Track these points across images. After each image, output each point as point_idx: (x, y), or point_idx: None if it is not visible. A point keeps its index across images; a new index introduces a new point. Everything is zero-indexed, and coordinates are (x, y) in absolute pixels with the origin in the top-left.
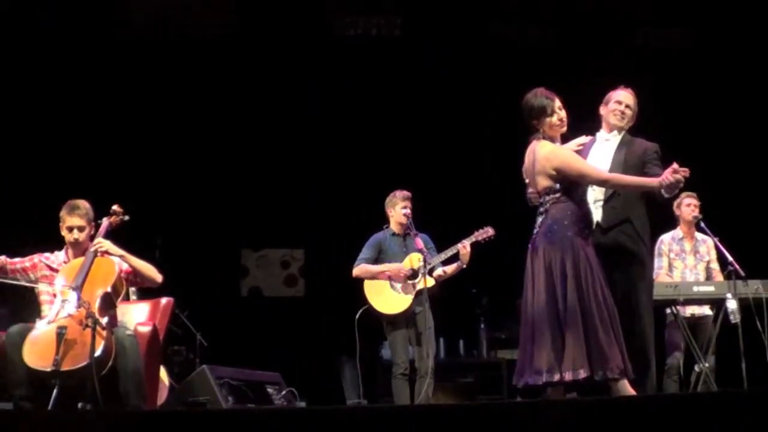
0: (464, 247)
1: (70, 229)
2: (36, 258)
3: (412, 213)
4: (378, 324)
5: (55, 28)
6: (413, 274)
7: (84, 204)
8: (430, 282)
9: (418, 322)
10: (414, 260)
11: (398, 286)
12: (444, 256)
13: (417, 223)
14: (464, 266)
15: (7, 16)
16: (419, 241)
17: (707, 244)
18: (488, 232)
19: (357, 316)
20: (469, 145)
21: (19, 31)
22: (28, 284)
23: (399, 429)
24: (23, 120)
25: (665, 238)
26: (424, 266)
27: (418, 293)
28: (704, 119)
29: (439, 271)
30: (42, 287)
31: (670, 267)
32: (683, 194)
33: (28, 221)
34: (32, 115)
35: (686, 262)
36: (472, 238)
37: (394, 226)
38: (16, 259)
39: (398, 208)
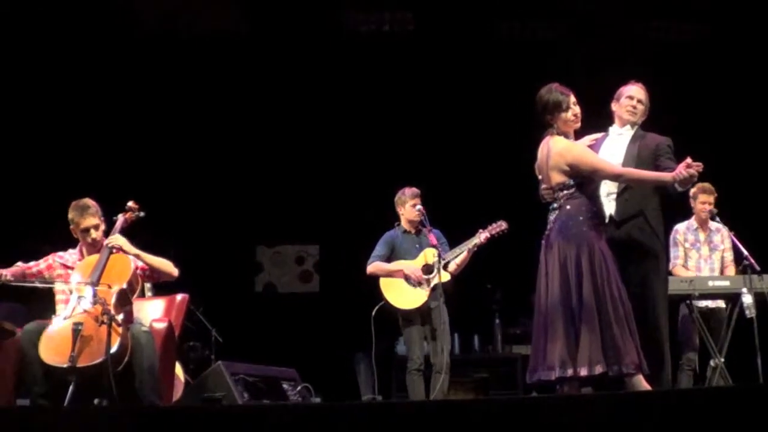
0: (485, 239)
1: (86, 230)
2: (51, 258)
3: (425, 208)
4: (393, 319)
5: (66, 27)
6: (428, 269)
7: (91, 202)
8: (446, 277)
9: (434, 317)
10: (428, 256)
11: (414, 282)
12: (458, 250)
13: (429, 218)
14: (476, 249)
15: (18, 14)
16: (433, 237)
17: (722, 233)
18: (501, 225)
19: (373, 313)
20: (482, 141)
21: (31, 29)
22: (43, 285)
23: (414, 425)
24: (39, 119)
25: (680, 228)
26: (439, 261)
27: (434, 288)
28: (718, 113)
29: (452, 266)
30: (57, 286)
31: (686, 257)
32: (698, 186)
33: (44, 219)
34: (47, 113)
35: (701, 252)
36: (486, 233)
37: (404, 224)
38: (32, 263)
39: (408, 206)
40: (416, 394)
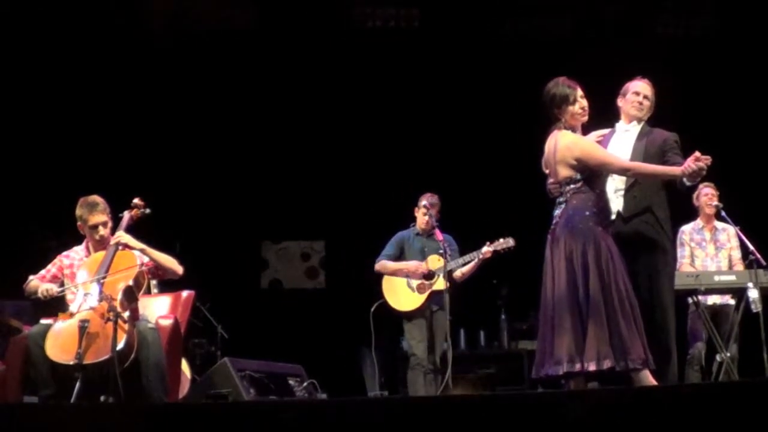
0: (488, 253)
1: (95, 227)
2: (58, 261)
3: (438, 207)
4: (398, 315)
5: (74, 23)
6: (430, 275)
7: (99, 199)
8: (442, 284)
9: (434, 320)
10: (432, 262)
11: (414, 284)
12: (462, 261)
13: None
14: (480, 262)
15: (26, 12)
16: (439, 233)
17: (728, 232)
18: (509, 242)
19: (372, 311)
20: (487, 137)
21: (38, 27)
22: (61, 293)
23: (420, 420)
24: (46, 116)
25: (686, 229)
26: (445, 267)
27: (432, 293)
28: (725, 108)
29: (458, 273)
30: (69, 287)
31: (692, 256)
32: (701, 185)
33: (51, 216)
34: (54, 111)
35: (707, 251)
36: (492, 248)
37: (418, 226)
38: (42, 272)
39: (420, 213)
40: (417, 390)
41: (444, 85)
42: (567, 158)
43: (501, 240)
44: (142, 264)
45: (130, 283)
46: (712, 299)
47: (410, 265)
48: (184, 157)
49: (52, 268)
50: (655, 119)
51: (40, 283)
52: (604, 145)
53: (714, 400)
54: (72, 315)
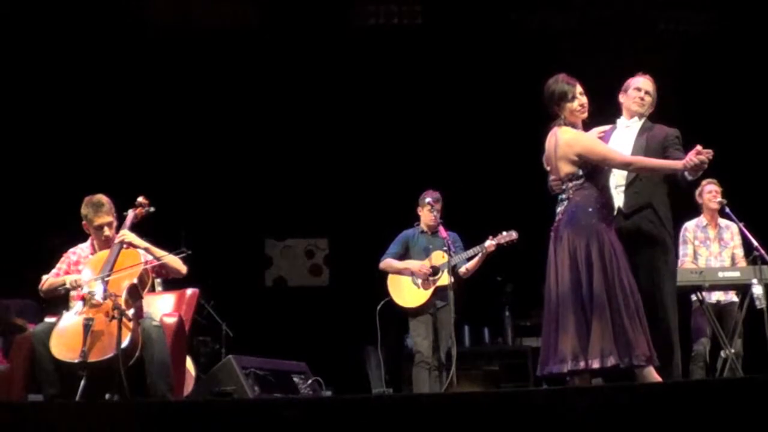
0: (491, 246)
1: (100, 227)
2: (66, 257)
3: (442, 204)
4: (403, 313)
5: (76, 22)
6: (434, 271)
7: (105, 199)
8: (447, 279)
9: (439, 316)
10: (436, 258)
11: (419, 281)
12: (466, 255)
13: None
14: (484, 257)
15: (30, 10)
16: (442, 230)
17: (731, 230)
18: (512, 235)
19: (378, 308)
20: (491, 133)
21: (41, 26)
22: (71, 288)
23: (424, 418)
24: (50, 115)
25: (689, 226)
26: (448, 263)
27: (437, 289)
28: (727, 104)
29: (462, 269)
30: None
31: (695, 254)
32: (704, 181)
33: (54, 214)
34: (58, 109)
35: (710, 249)
36: (495, 241)
37: (423, 225)
38: (54, 271)
39: (425, 210)
40: (421, 387)
41: (446, 81)
42: (568, 154)
43: (504, 233)
44: (146, 262)
45: (135, 281)
46: (716, 296)
47: (414, 265)
48: (188, 155)
49: (62, 265)
50: (657, 115)
51: (61, 278)
52: (606, 141)
53: (718, 397)
54: (88, 300)
